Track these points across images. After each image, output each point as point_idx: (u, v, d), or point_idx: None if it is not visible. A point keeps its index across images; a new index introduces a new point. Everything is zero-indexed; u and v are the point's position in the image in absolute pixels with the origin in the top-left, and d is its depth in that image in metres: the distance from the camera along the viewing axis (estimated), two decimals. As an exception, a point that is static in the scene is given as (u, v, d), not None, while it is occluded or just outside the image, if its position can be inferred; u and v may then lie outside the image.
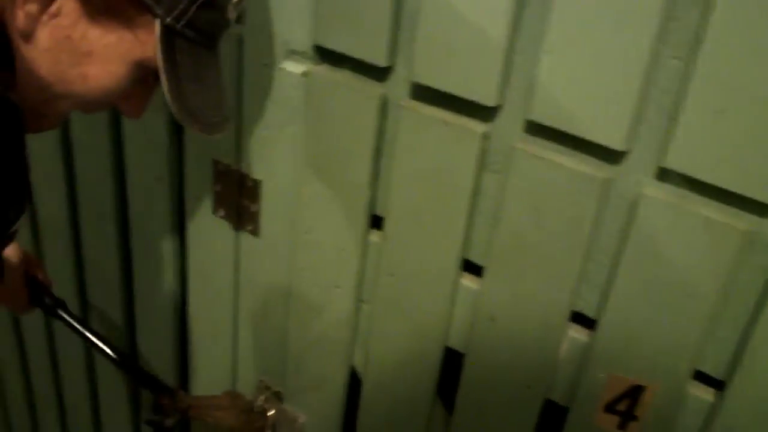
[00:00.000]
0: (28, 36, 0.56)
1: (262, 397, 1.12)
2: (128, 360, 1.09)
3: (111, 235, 1.23)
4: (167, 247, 1.14)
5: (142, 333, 1.29)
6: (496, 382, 0.84)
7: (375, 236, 0.88)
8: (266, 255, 1.00)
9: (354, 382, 1.00)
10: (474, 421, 0.88)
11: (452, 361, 0.89)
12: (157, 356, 1.28)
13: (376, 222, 0.88)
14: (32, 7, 0.55)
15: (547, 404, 0.83)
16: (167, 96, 0.61)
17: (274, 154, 0.92)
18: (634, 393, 0.74)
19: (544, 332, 0.78)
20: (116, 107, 0.68)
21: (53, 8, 0.56)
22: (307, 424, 1.07)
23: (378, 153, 0.83)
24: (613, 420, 0.77)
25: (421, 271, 0.84)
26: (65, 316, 1.06)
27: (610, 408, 0.77)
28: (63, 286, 1.39)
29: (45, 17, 0.56)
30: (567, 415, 0.80)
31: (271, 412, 1.10)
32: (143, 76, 0.63)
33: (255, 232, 0.99)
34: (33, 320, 1.53)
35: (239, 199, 0.98)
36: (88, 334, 1.07)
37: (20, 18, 0.55)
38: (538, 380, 0.81)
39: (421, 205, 0.80)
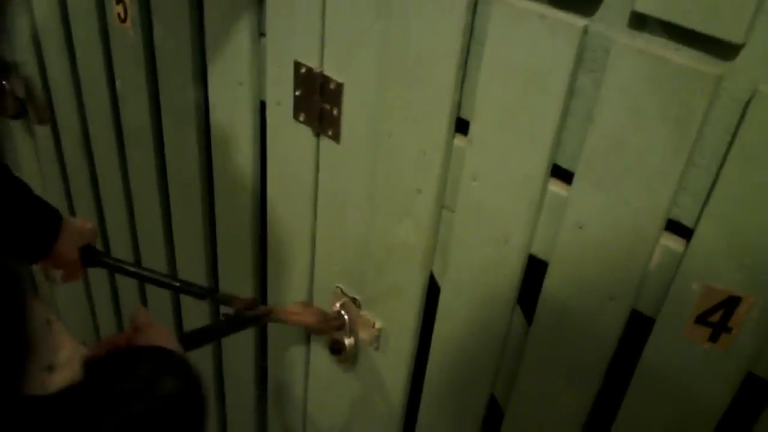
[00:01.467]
0: None
1: (338, 303, 1.14)
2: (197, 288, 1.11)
3: (192, 142, 1.25)
4: (248, 152, 1.15)
5: (223, 240, 1.33)
6: (580, 292, 0.82)
7: (459, 140, 0.86)
8: (346, 160, 0.99)
9: (432, 290, 1.00)
10: (554, 330, 0.87)
11: (535, 270, 0.87)
12: (237, 263, 1.32)
13: (461, 126, 0.85)
14: None
15: (631, 315, 0.81)
16: None
17: (358, 55, 0.90)
18: (730, 304, 0.71)
19: (636, 241, 0.75)
20: None
21: None
22: (384, 331, 1.09)
23: (466, 52, 0.80)
24: (704, 332, 0.74)
25: (506, 177, 0.82)
26: (128, 268, 1.08)
27: (701, 319, 0.74)
28: (147, 194, 1.43)
29: None
30: (653, 327, 0.78)
31: (347, 315, 1.12)
32: None
33: (336, 137, 0.98)
34: (117, 223, 1.59)
35: (320, 103, 0.97)
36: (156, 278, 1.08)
37: None
38: (625, 291, 0.79)
39: (509, 107, 0.77)
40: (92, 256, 1.03)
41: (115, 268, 1.11)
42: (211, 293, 1.11)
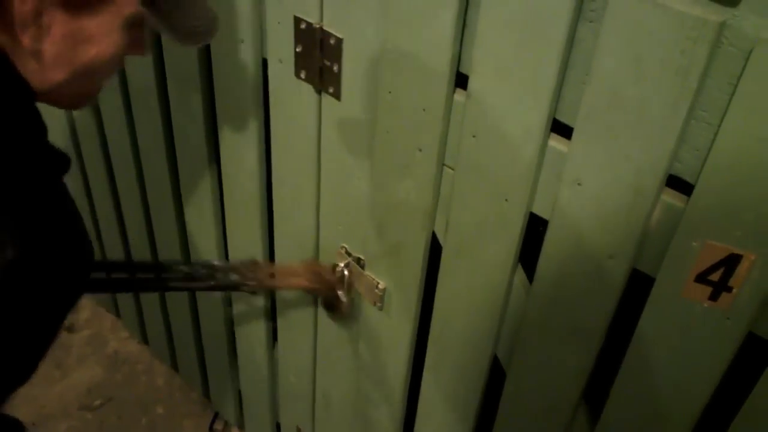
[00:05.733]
0: (37, 54, 0.59)
1: (342, 263, 1.13)
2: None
3: (197, 102, 1.24)
4: (251, 112, 1.14)
5: (230, 200, 1.33)
6: (580, 251, 0.81)
7: (459, 96, 0.84)
8: (348, 118, 0.98)
9: (434, 248, 0.99)
10: (555, 290, 0.86)
11: (537, 228, 0.86)
12: (245, 223, 1.32)
13: (461, 81, 0.84)
14: (32, 31, 0.58)
15: (633, 275, 0.79)
16: (161, 29, 0.67)
17: (358, 9, 0.88)
18: (730, 262, 0.70)
19: (636, 198, 0.73)
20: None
21: (45, 21, 0.58)
22: (388, 290, 1.08)
23: (466, 2, 0.77)
24: (704, 291, 0.73)
25: (506, 133, 0.80)
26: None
27: (701, 278, 0.73)
28: (154, 154, 1.44)
29: (43, 32, 0.58)
30: (652, 286, 0.77)
31: (348, 273, 1.12)
32: (135, 23, 0.65)
33: (336, 95, 0.97)
34: (127, 186, 1.60)
35: (321, 60, 0.96)
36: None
37: (26, 43, 0.58)
38: (625, 249, 0.77)
39: (508, 60, 0.76)
40: None
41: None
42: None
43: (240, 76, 1.11)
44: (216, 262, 1.13)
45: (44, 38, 0.58)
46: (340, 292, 1.12)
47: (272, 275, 1.12)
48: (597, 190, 0.76)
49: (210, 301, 1.58)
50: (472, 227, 0.90)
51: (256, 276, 1.08)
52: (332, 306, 1.15)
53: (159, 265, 1.14)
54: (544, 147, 0.78)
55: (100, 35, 0.62)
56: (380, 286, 1.09)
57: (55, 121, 1.72)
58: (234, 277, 1.08)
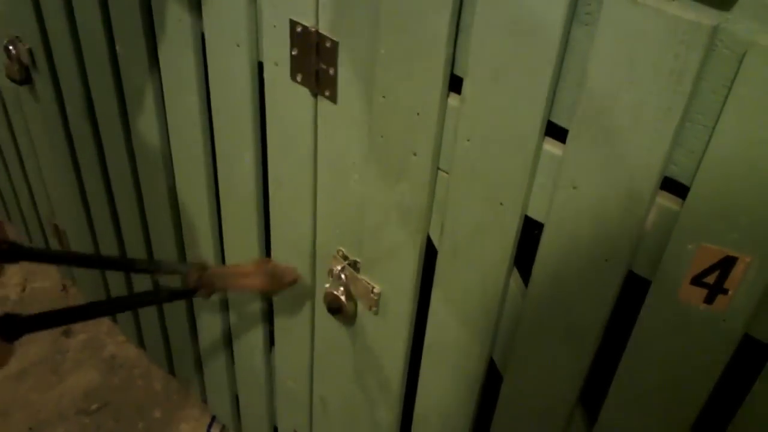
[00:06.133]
0: None
1: (339, 267, 1.13)
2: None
3: (194, 105, 1.24)
4: (247, 115, 1.14)
5: (226, 203, 1.33)
6: (576, 254, 0.81)
7: (453, 99, 0.84)
8: (344, 121, 0.98)
9: (430, 252, 0.99)
10: (551, 293, 0.86)
11: (531, 231, 0.86)
12: (241, 226, 1.32)
13: (456, 85, 0.84)
14: None
15: (627, 277, 0.79)
16: None
17: (353, 12, 0.88)
18: (726, 265, 0.70)
19: (631, 201, 0.73)
20: None
21: None
22: (383, 294, 1.08)
23: (459, 5, 0.77)
24: (699, 293, 0.73)
25: (500, 136, 0.80)
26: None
27: (697, 281, 0.73)
28: (150, 158, 1.44)
29: None
30: (648, 289, 0.77)
31: (345, 277, 1.12)
32: None
33: (333, 98, 0.97)
34: (122, 187, 1.59)
35: (317, 63, 0.96)
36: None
37: None
38: (620, 252, 0.77)
39: (503, 62, 0.76)
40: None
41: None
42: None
43: (236, 79, 1.11)
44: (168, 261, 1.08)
45: None
46: (342, 296, 1.12)
47: (223, 277, 1.09)
48: (592, 194, 0.76)
49: (207, 305, 1.58)
50: (467, 231, 0.90)
51: (208, 280, 1.05)
52: (338, 309, 1.14)
53: (102, 259, 1.10)
54: (538, 150, 0.78)
55: None
56: (375, 290, 1.09)
57: (53, 120, 1.71)
58: (181, 281, 1.03)
